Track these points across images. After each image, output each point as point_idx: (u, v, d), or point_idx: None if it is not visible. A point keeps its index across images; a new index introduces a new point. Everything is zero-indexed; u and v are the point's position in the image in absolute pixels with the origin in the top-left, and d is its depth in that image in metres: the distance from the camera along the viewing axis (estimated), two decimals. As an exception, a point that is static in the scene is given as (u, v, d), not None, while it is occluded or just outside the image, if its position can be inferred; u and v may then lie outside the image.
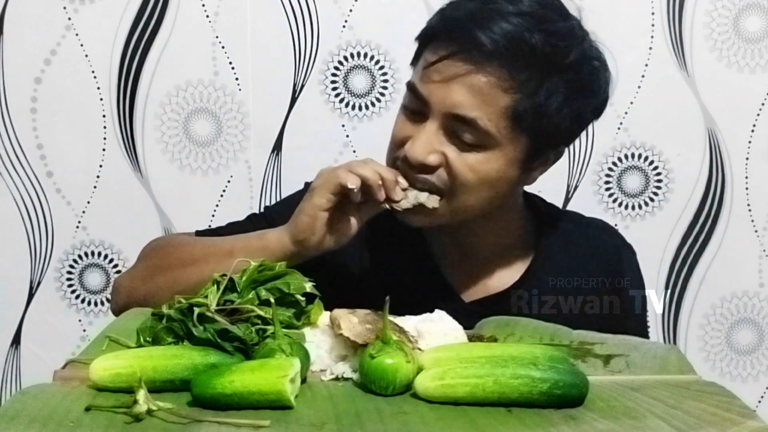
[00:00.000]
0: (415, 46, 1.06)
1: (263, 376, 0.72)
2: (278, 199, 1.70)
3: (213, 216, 1.73)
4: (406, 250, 1.12)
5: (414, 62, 1.06)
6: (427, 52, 1.01)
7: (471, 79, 0.96)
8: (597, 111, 1.04)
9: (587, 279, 1.11)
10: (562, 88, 0.98)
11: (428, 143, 0.98)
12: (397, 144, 1.03)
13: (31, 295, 1.78)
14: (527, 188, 1.14)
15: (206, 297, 0.84)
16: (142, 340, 0.85)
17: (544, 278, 1.10)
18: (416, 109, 1.01)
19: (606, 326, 1.00)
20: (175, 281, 1.02)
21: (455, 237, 1.10)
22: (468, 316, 0.98)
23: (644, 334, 1.17)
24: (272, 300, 0.84)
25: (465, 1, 1.00)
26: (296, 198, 1.05)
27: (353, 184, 0.95)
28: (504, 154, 0.99)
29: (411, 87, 1.02)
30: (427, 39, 1.02)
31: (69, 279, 1.78)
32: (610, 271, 1.14)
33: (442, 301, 0.98)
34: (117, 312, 1.08)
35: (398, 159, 1.02)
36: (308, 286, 0.88)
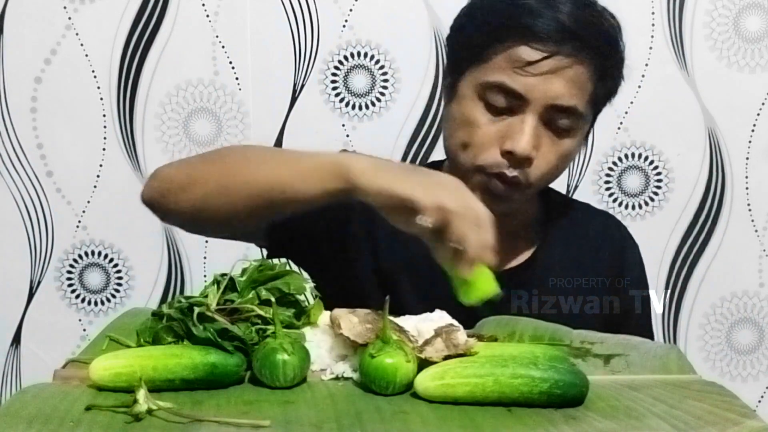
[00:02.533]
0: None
1: None
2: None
3: (213, 216, 1.73)
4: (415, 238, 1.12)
5: (479, 51, 1.02)
6: (518, 48, 0.99)
7: (569, 71, 1.00)
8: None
9: (592, 264, 1.14)
10: (616, 66, 1.06)
11: (534, 137, 1.00)
12: (485, 147, 1.01)
13: (31, 295, 1.78)
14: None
15: (206, 296, 0.84)
16: (142, 339, 0.85)
17: (552, 259, 1.12)
18: (505, 105, 1.01)
19: (609, 321, 1.01)
20: (228, 168, 0.97)
21: None
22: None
23: (648, 331, 1.18)
24: (273, 300, 0.84)
25: None
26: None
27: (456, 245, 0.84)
28: (582, 133, 1.06)
29: (499, 86, 1.00)
30: (512, 33, 1.00)
31: (69, 278, 1.78)
32: (614, 260, 1.17)
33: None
34: (144, 196, 1.06)
35: (488, 168, 1.01)
36: (308, 287, 0.88)
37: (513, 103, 1.00)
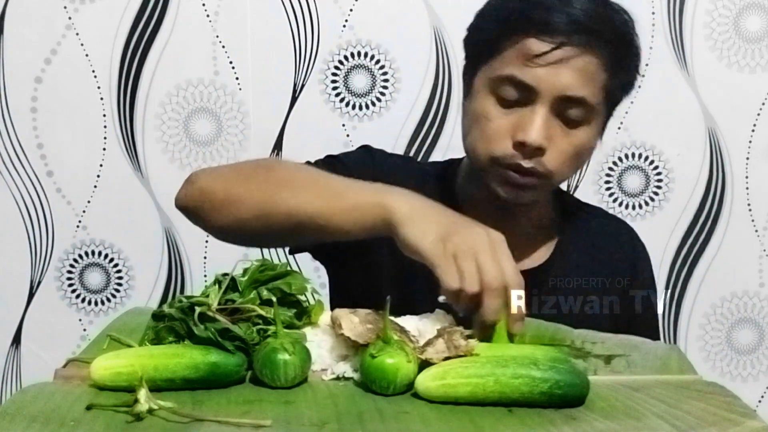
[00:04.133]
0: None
1: None
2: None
3: (213, 215, 1.73)
4: None
5: (492, 48, 1.04)
6: (527, 41, 1.00)
7: (578, 61, 1.00)
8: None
9: (605, 267, 1.14)
10: (630, 60, 1.07)
11: (544, 127, 1.01)
12: (499, 139, 1.02)
13: (31, 295, 1.78)
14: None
15: (207, 296, 0.84)
16: (143, 339, 0.85)
17: (568, 260, 1.13)
18: (517, 98, 1.02)
19: (618, 323, 1.04)
20: (269, 194, 0.96)
21: (497, 217, 1.10)
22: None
23: (656, 333, 1.19)
24: (274, 300, 0.84)
25: None
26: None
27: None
28: (596, 125, 1.06)
29: (510, 79, 1.01)
30: (521, 28, 1.01)
31: (69, 278, 1.78)
32: (627, 263, 1.18)
33: None
34: (179, 202, 1.04)
35: (503, 159, 1.02)
36: (309, 288, 0.88)
37: (524, 96, 1.01)
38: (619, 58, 1.04)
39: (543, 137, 1.00)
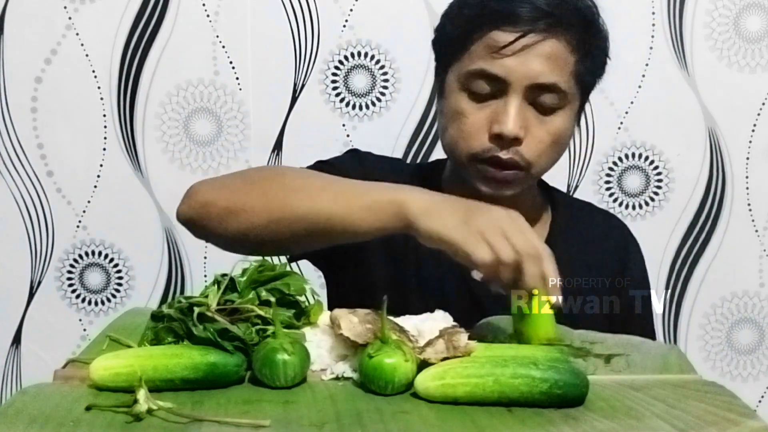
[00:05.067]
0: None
1: None
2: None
3: (213, 215, 1.73)
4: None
5: (460, 46, 1.05)
6: (492, 34, 1.02)
7: (543, 47, 1.01)
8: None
9: (596, 260, 1.15)
10: (599, 44, 1.07)
11: (518, 117, 1.01)
12: (475, 134, 1.03)
13: (31, 295, 1.78)
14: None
15: (206, 297, 0.84)
16: (142, 339, 0.85)
17: (558, 256, 1.11)
18: (489, 91, 1.03)
19: (612, 321, 1.02)
20: (282, 199, 0.95)
21: None
22: (486, 293, 1.01)
23: (651, 331, 1.18)
24: (273, 300, 0.84)
25: None
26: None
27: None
28: (571, 110, 1.06)
29: (480, 73, 1.02)
30: (485, 23, 1.03)
31: (69, 278, 1.78)
32: (617, 260, 1.18)
33: (474, 283, 1.02)
34: (182, 216, 1.03)
35: (481, 154, 1.03)
36: (308, 288, 0.88)
37: (495, 88, 1.02)
38: (585, 43, 1.04)
39: (518, 127, 1.01)
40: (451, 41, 1.07)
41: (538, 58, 1.01)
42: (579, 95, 1.07)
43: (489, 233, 0.85)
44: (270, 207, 0.95)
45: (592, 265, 1.13)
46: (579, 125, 1.13)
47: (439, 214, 0.88)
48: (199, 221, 1.00)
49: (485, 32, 1.02)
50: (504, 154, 1.02)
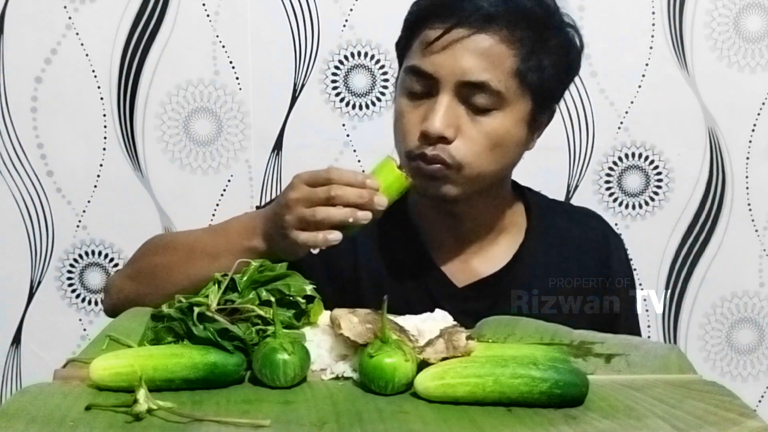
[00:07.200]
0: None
1: None
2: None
3: (213, 215, 1.73)
4: (397, 240, 1.12)
5: (405, 48, 1.07)
6: (426, 31, 1.02)
7: (474, 42, 0.99)
8: (574, 73, 1.10)
9: (576, 262, 1.12)
10: (553, 46, 1.03)
11: (446, 115, 1.00)
12: (408, 133, 1.03)
13: (31, 295, 1.78)
14: (525, 182, 1.17)
15: (207, 296, 0.84)
16: (142, 339, 0.85)
17: (534, 261, 1.11)
18: (422, 90, 1.02)
19: (595, 322, 1.02)
20: (160, 283, 1.01)
21: (447, 222, 1.11)
22: (463, 300, 1.06)
23: (636, 331, 1.17)
24: (273, 300, 0.84)
25: None
26: None
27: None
28: (513, 113, 1.02)
29: (413, 70, 1.03)
30: (420, 20, 1.04)
31: (69, 278, 1.78)
32: (598, 255, 1.15)
33: (435, 287, 1.07)
34: (108, 311, 1.09)
35: (413, 152, 1.02)
36: (309, 289, 0.88)
37: (428, 86, 1.02)
38: (530, 41, 1.01)
39: (445, 125, 0.99)
40: (398, 42, 1.09)
41: (470, 56, 0.99)
42: (528, 97, 1.03)
43: (307, 205, 0.92)
44: (157, 288, 0.99)
45: (573, 270, 1.12)
46: (538, 131, 1.08)
47: (276, 237, 0.95)
48: (124, 308, 1.01)
49: (421, 30, 1.03)
50: (429, 151, 1.01)
